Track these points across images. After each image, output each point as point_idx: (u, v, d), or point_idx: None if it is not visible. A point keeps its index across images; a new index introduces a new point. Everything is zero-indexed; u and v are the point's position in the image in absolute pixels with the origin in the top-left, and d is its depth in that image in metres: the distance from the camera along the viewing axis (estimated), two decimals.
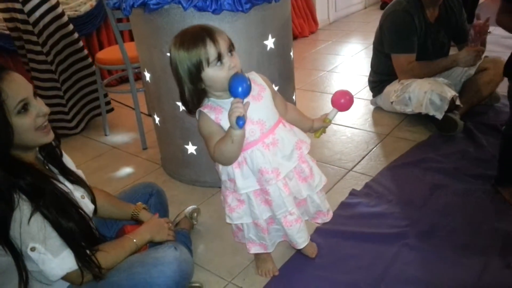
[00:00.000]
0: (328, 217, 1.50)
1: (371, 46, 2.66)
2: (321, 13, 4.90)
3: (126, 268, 1.20)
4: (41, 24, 2.47)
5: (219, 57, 1.12)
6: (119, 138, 2.73)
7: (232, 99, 1.12)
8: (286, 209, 1.30)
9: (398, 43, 2.40)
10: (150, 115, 2.88)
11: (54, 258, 1.07)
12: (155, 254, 1.25)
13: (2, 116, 1.01)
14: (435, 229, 1.65)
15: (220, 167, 1.30)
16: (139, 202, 1.49)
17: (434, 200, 1.83)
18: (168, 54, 1.81)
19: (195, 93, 1.19)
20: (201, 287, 1.49)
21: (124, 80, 3.58)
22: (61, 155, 1.26)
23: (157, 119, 2.10)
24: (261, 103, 1.24)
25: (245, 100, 1.12)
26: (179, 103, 1.90)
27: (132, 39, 3.27)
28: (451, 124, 2.27)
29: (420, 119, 2.42)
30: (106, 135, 2.77)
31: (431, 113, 2.25)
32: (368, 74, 2.77)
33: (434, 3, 2.37)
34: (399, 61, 2.42)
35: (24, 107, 1.05)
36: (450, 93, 2.21)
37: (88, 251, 1.12)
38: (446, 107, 2.21)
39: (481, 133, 2.26)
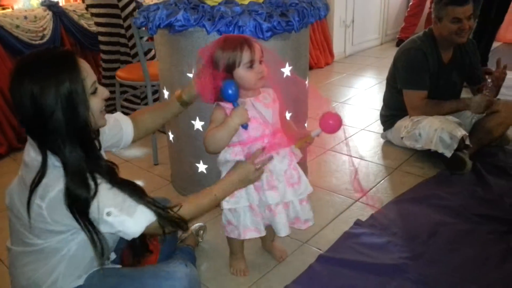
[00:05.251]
0: (304, 226, 1.54)
1: (385, 81, 2.71)
2: (338, 46, 5.00)
3: (137, 278, 1.22)
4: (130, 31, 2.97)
5: (251, 62, 1.30)
6: (131, 152, 2.78)
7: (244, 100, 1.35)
8: (267, 201, 1.43)
9: (411, 80, 2.44)
10: (163, 131, 2.94)
11: (130, 218, 1.10)
12: (166, 268, 1.28)
13: (83, 93, 1.04)
14: (437, 265, 1.66)
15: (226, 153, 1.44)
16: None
17: (438, 236, 1.83)
18: (188, 74, 1.88)
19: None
20: None
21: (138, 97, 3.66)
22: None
23: (171, 136, 2.16)
24: (269, 110, 1.41)
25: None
26: (194, 122, 1.95)
27: (149, 58, 3.39)
28: (459, 163, 2.29)
29: (429, 155, 2.44)
30: None
31: (440, 150, 2.27)
32: (380, 108, 2.82)
33: (448, 45, 2.43)
34: (411, 97, 2.46)
35: (95, 89, 1.10)
36: (460, 132, 2.23)
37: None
38: (455, 145, 2.23)
39: (490, 174, 2.26)
